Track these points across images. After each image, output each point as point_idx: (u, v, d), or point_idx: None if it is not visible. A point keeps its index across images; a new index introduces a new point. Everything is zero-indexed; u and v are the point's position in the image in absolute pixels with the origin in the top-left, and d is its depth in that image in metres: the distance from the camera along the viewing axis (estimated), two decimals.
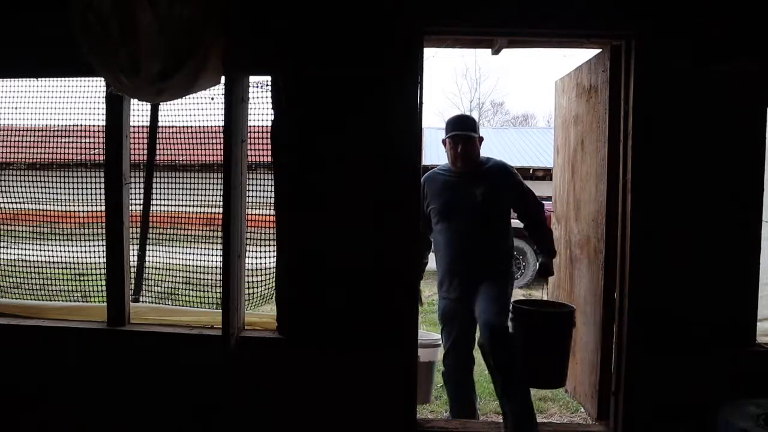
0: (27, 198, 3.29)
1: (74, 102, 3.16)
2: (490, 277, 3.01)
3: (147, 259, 3.34)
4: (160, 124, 3.37)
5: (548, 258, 3.17)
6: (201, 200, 3.26)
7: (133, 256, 3.12)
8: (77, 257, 3.27)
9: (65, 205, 3.29)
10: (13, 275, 3.24)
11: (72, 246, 3.29)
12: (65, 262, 3.32)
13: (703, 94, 2.64)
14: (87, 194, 3.16)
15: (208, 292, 3.20)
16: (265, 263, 2.97)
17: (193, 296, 3.22)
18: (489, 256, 3.03)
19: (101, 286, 3.04)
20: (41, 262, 3.28)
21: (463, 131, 3.01)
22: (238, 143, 2.66)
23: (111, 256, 2.86)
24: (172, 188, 3.31)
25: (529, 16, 2.67)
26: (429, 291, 3.08)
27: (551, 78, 9.13)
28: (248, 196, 2.85)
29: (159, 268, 3.32)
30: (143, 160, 3.37)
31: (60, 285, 3.32)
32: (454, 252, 3.03)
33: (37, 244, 3.33)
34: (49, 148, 3.37)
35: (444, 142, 3.10)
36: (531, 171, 12.99)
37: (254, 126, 2.87)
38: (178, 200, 3.29)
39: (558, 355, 2.85)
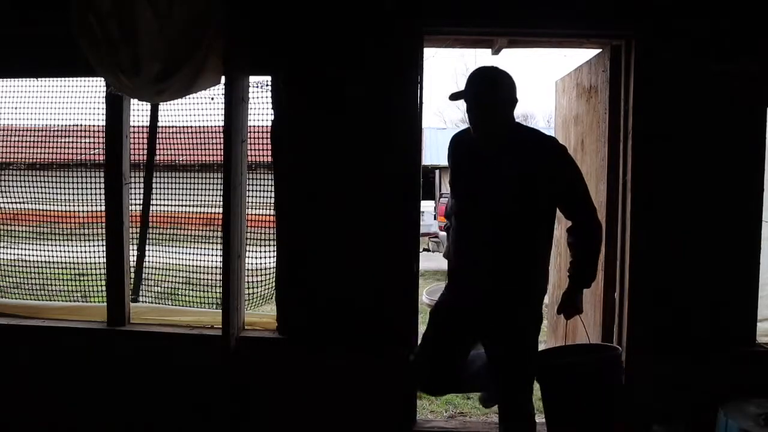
0: (27, 198, 3.29)
1: (74, 102, 3.16)
2: (508, 318, 2.19)
3: (147, 259, 3.34)
4: (160, 124, 3.37)
5: (576, 287, 2.26)
6: (201, 200, 3.26)
7: (133, 256, 3.12)
8: (77, 257, 3.27)
9: (65, 205, 3.29)
10: (13, 275, 3.24)
11: (72, 246, 3.29)
12: (65, 262, 3.32)
13: (703, 94, 2.65)
14: (87, 194, 3.16)
15: (208, 292, 3.21)
16: (265, 263, 2.97)
17: (193, 296, 3.22)
18: (509, 280, 2.19)
19: (101, 286, 3.05)
20: (41, 262, 3.28)
21: (477, 89, 2.13)
22: (238, 143, 2.66)
23: (111, 256, 2.86)
24: (172, 188, 3.30)
25: (529, 16, 2.68)
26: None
27: (551, 78, 9.13)
28: (248, 196, 2.85)
29: (159, 268, 3.32)
30: (143, 160, 3.37)
31: (60, 285, 3.33)
32: (463, 256, 2.29)
33: (37, 244, 3.33)
34: (49, 148, 3.37)
35: None
36: None
37: (254, 126, 2.87)
38: (178, 200, 3.29)
39: (593, 415, 2.22)
